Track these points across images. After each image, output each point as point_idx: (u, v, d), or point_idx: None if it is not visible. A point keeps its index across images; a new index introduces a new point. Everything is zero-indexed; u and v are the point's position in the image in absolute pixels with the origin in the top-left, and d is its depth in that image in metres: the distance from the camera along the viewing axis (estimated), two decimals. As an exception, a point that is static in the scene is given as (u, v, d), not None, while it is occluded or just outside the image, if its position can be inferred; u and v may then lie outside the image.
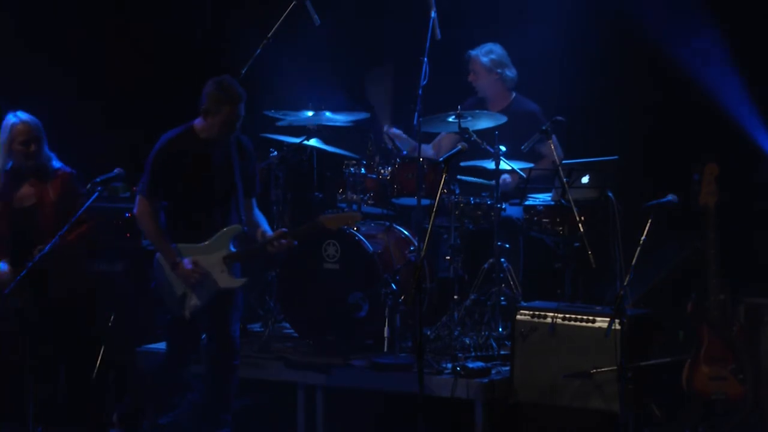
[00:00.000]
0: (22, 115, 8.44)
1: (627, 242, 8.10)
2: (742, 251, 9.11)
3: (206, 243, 8.06)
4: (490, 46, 9.64)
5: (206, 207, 8.06)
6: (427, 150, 9.67)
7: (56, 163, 8.56)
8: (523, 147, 8.99)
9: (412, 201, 9.01)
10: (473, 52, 9.65)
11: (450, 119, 8.99)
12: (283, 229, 8.16)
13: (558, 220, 8.89)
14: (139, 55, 10.69)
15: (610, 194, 8.53)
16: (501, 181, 8.89)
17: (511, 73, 9.61)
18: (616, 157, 8.81)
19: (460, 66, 9.69)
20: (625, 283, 7.06)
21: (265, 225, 8.21)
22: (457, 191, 9.08)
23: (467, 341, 8.75)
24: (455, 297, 8.92)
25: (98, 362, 8.97)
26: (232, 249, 8.09)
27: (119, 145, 10.08)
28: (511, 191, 9.28)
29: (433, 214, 7.68)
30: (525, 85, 9.71)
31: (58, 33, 10.46)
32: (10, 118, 8.43)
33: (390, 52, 10.17)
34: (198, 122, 8.05)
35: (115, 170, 7.90)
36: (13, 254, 8.39)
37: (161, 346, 9.14)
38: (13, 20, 10.39)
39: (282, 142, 9.47)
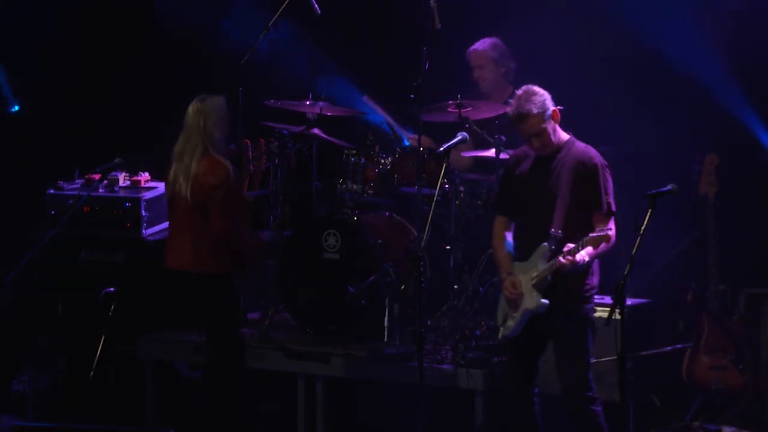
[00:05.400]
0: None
1: (627, 232, 8.09)
2: (742, 241, 9.12)
3: (527, 261, 7.48)
4: (491, 40, 9.57)
5: (533, 223, 7.49)
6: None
7: None
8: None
9: (413, 191, 9.00)
10: (479, 47, 9.55)
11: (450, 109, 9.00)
12: (572, 246, 7.29)
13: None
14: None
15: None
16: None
17: (513, 65, 9.57)
18: (611, 147, 8.79)
19: (461, 57, 9.66)
20: (626, 273, 7.05)
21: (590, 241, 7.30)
22: (458, 181, 9.06)
23: (467, 331, 8.75)
24: (455, 286, 8.92)
25: (98, 354, 8.93)
26: (541, 267, 7.44)
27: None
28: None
29: (433, 204, 7.68)
30: (524, 76, 9.68)
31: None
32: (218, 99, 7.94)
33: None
34: None
35: (116, 159, 7.77)
36: None
37: (163, 335, 9.18)
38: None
39: (281, 131, 9.44)
